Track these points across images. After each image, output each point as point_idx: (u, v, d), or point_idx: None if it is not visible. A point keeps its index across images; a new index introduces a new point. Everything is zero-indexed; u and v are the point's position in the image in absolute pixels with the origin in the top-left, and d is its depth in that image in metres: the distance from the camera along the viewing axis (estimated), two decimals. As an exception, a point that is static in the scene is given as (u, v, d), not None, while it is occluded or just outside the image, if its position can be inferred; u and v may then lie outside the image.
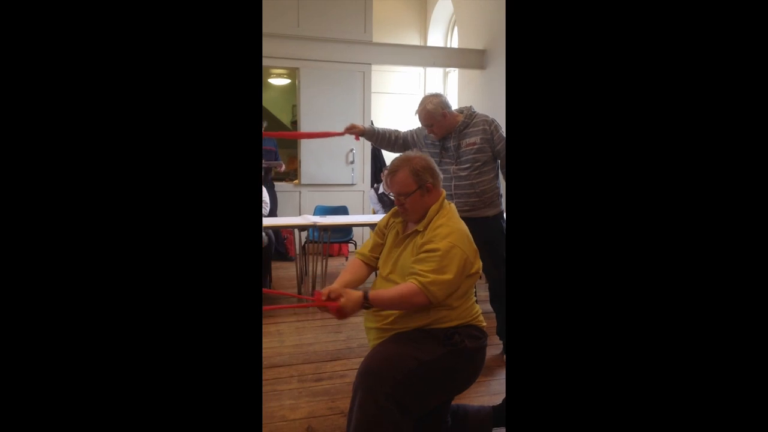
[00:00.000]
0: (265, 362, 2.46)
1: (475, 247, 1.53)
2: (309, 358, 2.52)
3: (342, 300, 1.44)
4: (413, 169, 1.54)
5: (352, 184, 4.97)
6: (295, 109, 5.64)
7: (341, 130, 2.54)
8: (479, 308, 1.59)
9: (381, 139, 2.58)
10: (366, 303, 1.45)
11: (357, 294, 1.46)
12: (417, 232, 1.55)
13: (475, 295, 1.65)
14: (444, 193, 1.63)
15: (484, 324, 1.57)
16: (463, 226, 1.55)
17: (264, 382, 2.24)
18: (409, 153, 1.64)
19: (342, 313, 1.44)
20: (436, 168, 1.61)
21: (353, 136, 2.53)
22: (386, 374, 1.37)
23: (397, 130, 2.60)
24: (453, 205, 1.62)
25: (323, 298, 1.46)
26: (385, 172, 4.03)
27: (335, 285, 1.55)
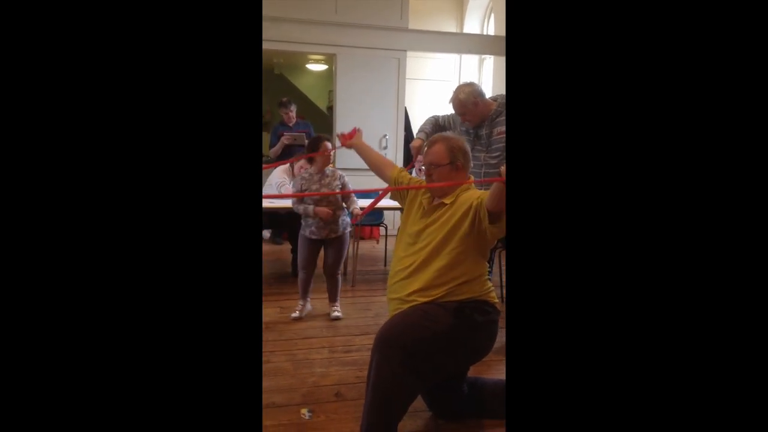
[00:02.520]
0: (299, 334, 2.63)
1: None
2: (339, 331, 2.69)
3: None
4: (449, 146, 1.69)
5: (385, 169, 5.08)
6: (331, 94, 5.77)
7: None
8: (491, 285, 1.70)
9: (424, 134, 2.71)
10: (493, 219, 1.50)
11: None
12: (444, 204, 1.67)
13: (491, 273, 1.75)
14: (472, 179, 1.73)
15: (496, 300, 1.68)
16: None
17: (298, 352, 2.41)
18: (449, 133, 1.77)
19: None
20: (470, 153, 1.74)
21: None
22: (400, 341, 1.50)
23: (428, 119, 2.69)
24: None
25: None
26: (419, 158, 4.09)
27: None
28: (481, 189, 2.42)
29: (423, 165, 1.76)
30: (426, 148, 1.73)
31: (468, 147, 1.74)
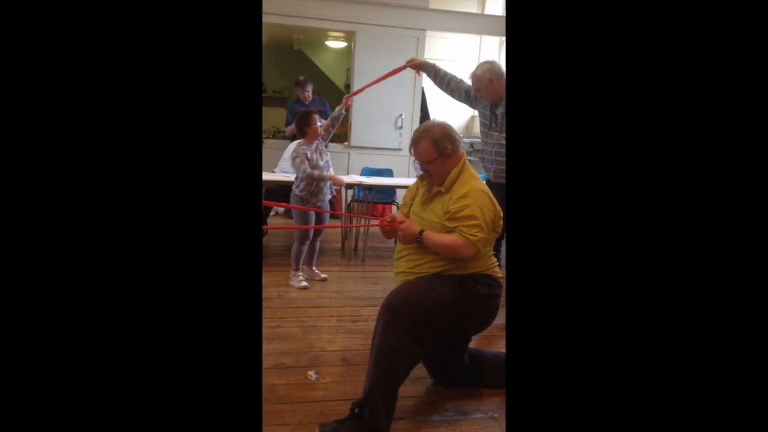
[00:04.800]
0: (309, 303, 2.73)
1: (498, 207, 1.68)
2: (348, 302, 2.78)
3: (404, 225, 1.71)
4: (432, 139, 1.70)
5: (399, 149, 5.12)
6: (349, 72, 5.78)
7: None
8: (496, 261, 1.76)
9: (441, 80, 2.73)
10: (419, 238, 1.67)
11: (415, 228, 1.70)
12: (440, 192, 1.73)
13: (499, 253, 1.81)
14: (464, 155, 1.77)
15: (500, 275, 1.74)
16: (485, 188, 1.70)
17: (306, 319, 2.51)
18: (429, 123, 1.80)
19: (402, 234, 1.72)
20: (455, 134, 1.75)
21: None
22: (404, 309, 1.58)
23: (462, 80, 2.70)
24: (469, 165, 1.76)
25: (387, 219, 1.78)
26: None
27: (399, 214, 1.90)
28: (492, 166, 2.48)
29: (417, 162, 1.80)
30: (413, 148, 1.75)
31: (451, 129, 1.74)
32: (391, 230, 1.80)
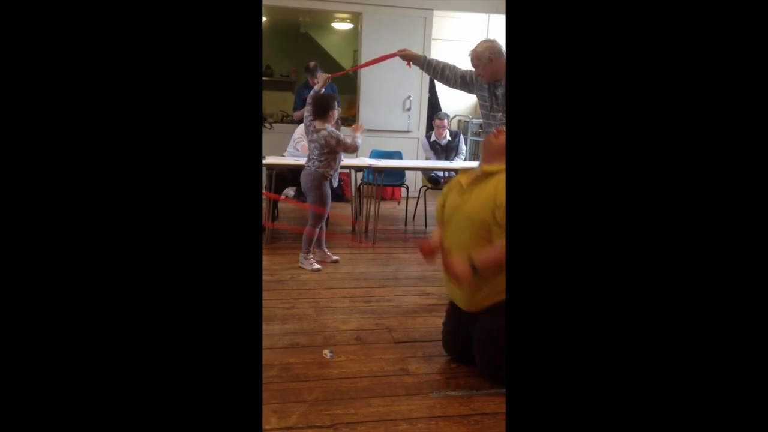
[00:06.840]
0: (321, 285, 2.76)
1: None
2: (360, 284, 2.81)
3: (455, 266, 1.70)
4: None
5: (408, 131, 5.11)
6: (356, 54, 5.74)
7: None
8: None
9: (435, 70, 2.70)
10: (475, 272, 1.66)
11: (467, 268, 1.67)
12: (486, 175, 1.74)
13: None
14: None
15: None
16: None
17: (320, 300, 2.54)
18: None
19: (455, 275, 1.70)
20: None
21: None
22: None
23: (455, 66, 2.69)
24: None
25: (431, 244, 1.81)
26: (436, 121, 4.15)
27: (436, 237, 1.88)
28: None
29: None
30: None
31: None
32: (431, 253, 1.79)
